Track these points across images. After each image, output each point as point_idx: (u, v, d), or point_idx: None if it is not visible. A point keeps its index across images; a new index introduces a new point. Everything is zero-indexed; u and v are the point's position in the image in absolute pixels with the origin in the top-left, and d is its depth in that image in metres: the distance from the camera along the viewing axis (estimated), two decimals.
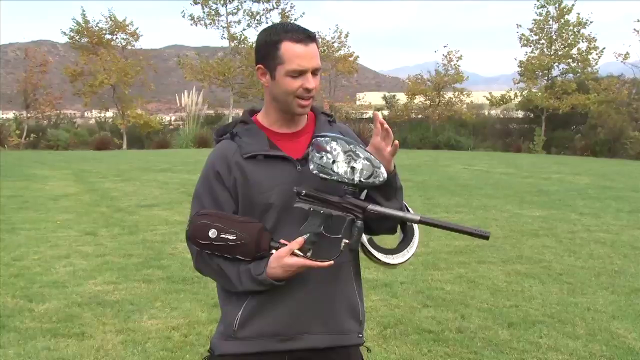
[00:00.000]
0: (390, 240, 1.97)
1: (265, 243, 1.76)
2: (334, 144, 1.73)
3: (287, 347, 1.82)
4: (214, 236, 1.75)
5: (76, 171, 14.97)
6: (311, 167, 1.75)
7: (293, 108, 1.83)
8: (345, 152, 1.73)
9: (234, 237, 1.74)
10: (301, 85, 1.78)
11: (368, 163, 1.73)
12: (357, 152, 1.73)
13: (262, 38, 1.82)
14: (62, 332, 4.28)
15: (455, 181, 13.33)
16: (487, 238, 1.75)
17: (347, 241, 1.73)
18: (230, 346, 1.83)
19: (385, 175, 1.73)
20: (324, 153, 1.74)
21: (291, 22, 1.90)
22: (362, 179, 1.72)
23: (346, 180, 1.73)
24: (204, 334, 4.22)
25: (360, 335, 1.93)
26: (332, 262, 1.73)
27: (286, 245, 1.74)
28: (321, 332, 1.84)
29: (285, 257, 1.71)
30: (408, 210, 1.89)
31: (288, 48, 1.76)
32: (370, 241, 1.93)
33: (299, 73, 1.77)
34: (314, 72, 1.79)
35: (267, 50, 1.79)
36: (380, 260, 1.92)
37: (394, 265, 1.96)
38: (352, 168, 1.72)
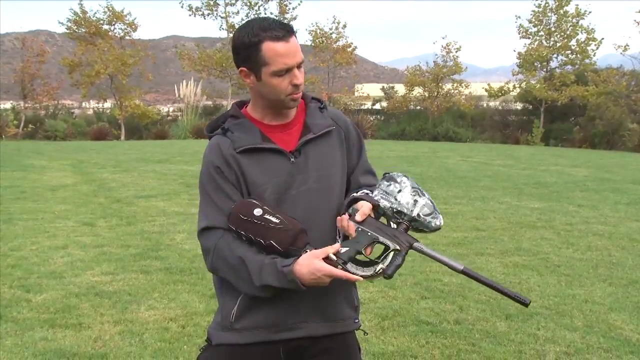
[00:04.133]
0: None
1: (302, 242, 1.72)
2: (405, 178, 1.77)
3: (283, 337, 1.82)
4: (258, 214, 1.71)
5: (74, 162, 14.94)
6: (375, 192, 1.77)
7: (285, 104, 1.82)
8: (412, 187, 1.76)
9: (278, 221, 1.71)
10: (289, 82, 1.76)
11: (431, 203, 1.75)
12: (424, 192, 1.76)
13: (240, 40, 1.77)
14: (60, 322, 4.27)
15: (453, 173, 13.33)
16: (526, 305, 1.70)
17: (383, 267, 1.69)
18: (227, 337, 1.84)
19: (441, 222, 1.75)
20: (392, 182, 1.76)
21: (266, 16, 1.87)
22: (420, 214, 1.72)
23: (405, 210, 1.73)
24: (201, 325, 4.22)
25: (357, 320, 1.94)
26: (360, 278, 1.68)
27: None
28: (318, 322, 1.84)
29: (317, 259, 1.67)
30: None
31: (270, 48, 1.72)
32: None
33: (286, 71, 1.74)
34: (299, 66, 1.77)
35: (248, 52, 1.75)
36: (347, 269, 1.89)
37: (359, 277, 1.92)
38: (415, 201, 1.73)
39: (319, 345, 1.86)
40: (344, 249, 1.70)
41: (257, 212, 1.72)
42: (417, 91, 30.85)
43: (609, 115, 24.37)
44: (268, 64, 1.73)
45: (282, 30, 1.73)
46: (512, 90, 29.69)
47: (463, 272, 1.71)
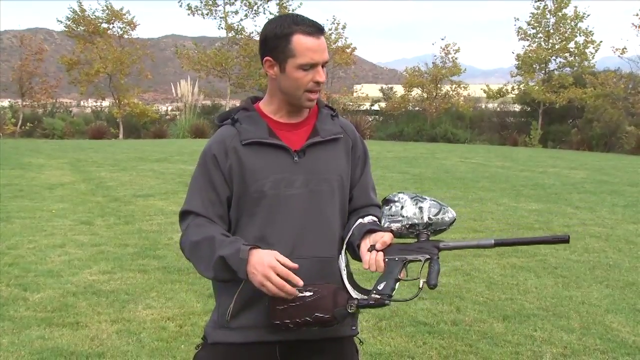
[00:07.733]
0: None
1: (342, 299, 1.73)
2: (400, 194, 1.82)
3: (278, 337, 1.82)
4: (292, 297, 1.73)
5: (72, 160, 14.91)
6: (382, 221, 1.81)
7: (302, 101, 1.83)
8: (412, 198, 1.79)
9: (312, 293, 1.72)
10: (312, 78, 1.79)
11: (435, 202, 1.77)
12: (424, 196, 1.80)
13: (271, 30, 1.79)
14: (57, 321, 4.27)
15: (451, 174, 13.34)
16: (567, 241, 1.69)
17: (424, 281, 1.68)
18: (222, 335, 1.84)
19: (453, 214, 1.77)
20: (392, 204, 1.80)
21: (299, 14, 1.94)
22: (430, 216, 1.75)
23: (416, 221, 1.75)
24: (199, 324, 4.22)
25: (354, 327, 1.94)
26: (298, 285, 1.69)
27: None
28: None
29: (274, 257, 1.68)
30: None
31: (300, 41, 1.75)
32: (350, 277, 1.87)
33: (311, 66, 1.77)
34: (323, 65, 1.80)
35: (277, 42, 1.78)
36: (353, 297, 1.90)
37: None
38: (420, 208, 1.76)
39: (315, 347, 1.86)
40: (381, 285, 1.72)
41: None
42: (416, 92, 30.88)
43: (607, 117, 24.42)
44: (295, 56, 1.76)
45: (314, 27, 1.78)
46: (511, 92, 29.74)
47: (496, 245, 1.73)
